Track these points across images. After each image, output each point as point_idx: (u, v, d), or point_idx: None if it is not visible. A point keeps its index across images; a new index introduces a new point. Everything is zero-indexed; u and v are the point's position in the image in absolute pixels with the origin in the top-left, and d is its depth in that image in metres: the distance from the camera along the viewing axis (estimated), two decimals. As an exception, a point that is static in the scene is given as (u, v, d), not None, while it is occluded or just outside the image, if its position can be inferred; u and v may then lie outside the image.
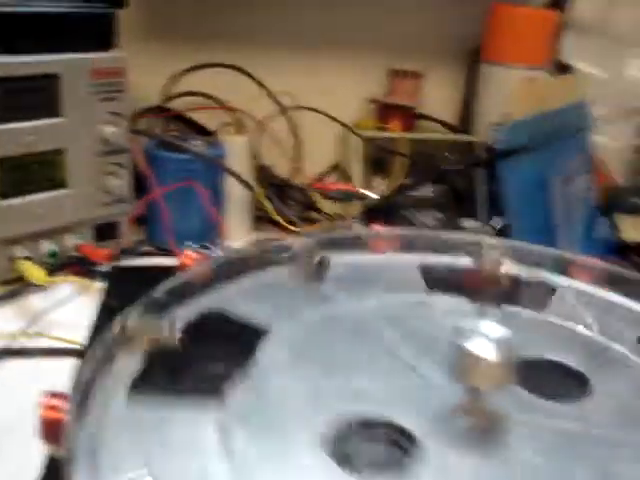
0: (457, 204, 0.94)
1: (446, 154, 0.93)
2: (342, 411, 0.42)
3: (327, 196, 0.88)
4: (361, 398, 0.44)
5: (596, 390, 0.47)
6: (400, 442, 0.41)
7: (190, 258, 0.56)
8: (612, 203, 1.02)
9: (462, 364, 0.39)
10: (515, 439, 0.41)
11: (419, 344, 0.49)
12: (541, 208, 0.87)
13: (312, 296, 0.57)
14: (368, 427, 0.42)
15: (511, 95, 0.91)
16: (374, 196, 0.87)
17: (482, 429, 0.42)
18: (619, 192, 1.08)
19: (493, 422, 0.42)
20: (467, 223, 0.90)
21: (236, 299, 0.54)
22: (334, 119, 1.03)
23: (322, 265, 0.59)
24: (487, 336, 0.39)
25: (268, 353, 0.48)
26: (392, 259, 0.64)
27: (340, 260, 0.61)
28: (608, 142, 1.17)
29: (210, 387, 0.43)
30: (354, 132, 1.00)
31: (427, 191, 0.93)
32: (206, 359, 0.46)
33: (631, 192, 1.09)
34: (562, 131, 0.92)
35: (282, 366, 0.47)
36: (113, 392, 0.42)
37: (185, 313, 0.51)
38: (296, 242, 0.60)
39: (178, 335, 0.48)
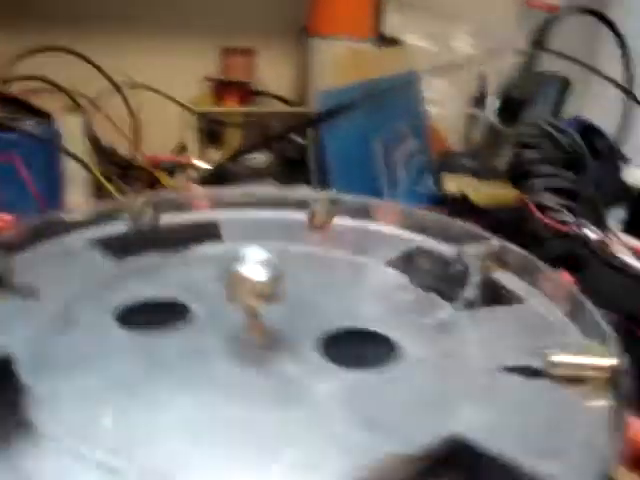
0: (292, 172, 0.98)
1: (273, 123, 0.98)
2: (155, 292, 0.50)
3: (160, 167, 0.91)
4: (184, 289, 0.50)
5: (398, 361, 0.44)
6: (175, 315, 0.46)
7: (1, 220, 0.58)
8: (443, 165, 1.09)
9: (229, 284, 0.43)
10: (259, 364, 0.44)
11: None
12: (365, 170, 0.92)
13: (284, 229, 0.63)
14: (160, 304, 0.48)
15: (335, 65, 0.96)
16: (206, 166, 0.90)
17: (259, 345, 0.46)
18: (450, 156, 1.15)
19: (268, 342, 0.46)
20: (301, 190, 0.94)
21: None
22: (169, 97, 1.06)
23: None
24: (252, 260, 0.44)
25: (201, 248, 0.57)
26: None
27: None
28: (443, 111, 1.24)
29: (136, 249, 0.54)
30: (186, 107, 1.03)
31: (262, 161, 0.97)
32: (163, 240, 0.57)
33: (461, 156, 1.16)
34: (387, 98, 0.97)
35: (193, 259, 0.56)
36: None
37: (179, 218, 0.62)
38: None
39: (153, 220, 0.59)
